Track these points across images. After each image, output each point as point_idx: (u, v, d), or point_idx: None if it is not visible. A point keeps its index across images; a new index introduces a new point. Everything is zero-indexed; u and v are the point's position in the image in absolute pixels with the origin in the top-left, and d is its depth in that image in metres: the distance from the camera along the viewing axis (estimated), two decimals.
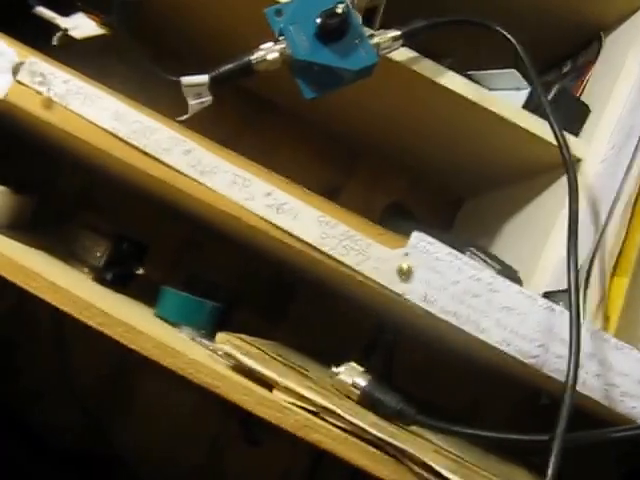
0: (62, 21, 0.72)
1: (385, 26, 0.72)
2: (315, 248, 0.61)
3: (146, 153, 0.62)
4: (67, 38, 0.72)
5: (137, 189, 0.89)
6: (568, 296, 0.58)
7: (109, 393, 1.13)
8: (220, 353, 0.64)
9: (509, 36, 0.70)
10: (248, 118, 1.14)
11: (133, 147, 0.62)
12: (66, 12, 0.73)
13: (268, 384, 0.61)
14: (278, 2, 0.69)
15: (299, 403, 0.59)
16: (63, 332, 1.05)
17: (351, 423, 0.58)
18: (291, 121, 1.13)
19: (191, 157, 0.62)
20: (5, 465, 0.98)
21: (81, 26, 0.73)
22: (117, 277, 0.83)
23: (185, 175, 0.62)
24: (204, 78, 0.67)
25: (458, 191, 1.14)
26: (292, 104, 1.08)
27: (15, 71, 0.63)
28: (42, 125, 0.66)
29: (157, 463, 1.13)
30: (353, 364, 0.65)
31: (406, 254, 0.61)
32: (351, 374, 0.64)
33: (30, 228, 0.83)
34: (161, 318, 0.76)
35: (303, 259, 0.66)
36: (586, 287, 0.68)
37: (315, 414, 0.59)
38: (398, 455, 0.58)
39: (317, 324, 1.12)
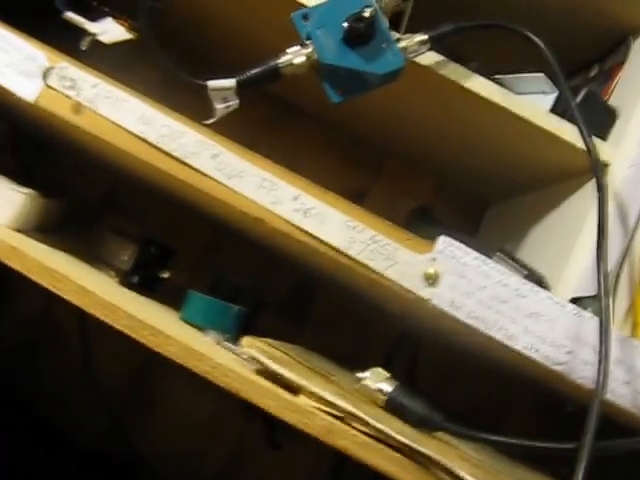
0: (91, 26, 0.73)
1: (411, 30, 0.71)
2: (342, 252, 0.61)
3: (174, 157, 0.62)
4: (95, 43, 0.73)
5: (163, 192, 0.89)
6: (597, 302, 0.58)
7: (132, 395, 1.14)
8: (245, 357, 0.64)
9: (537, 40, 0.70)
10: (273, 122, 1.14)
11: (161, 151, 0.62)
12: (94, 17, 0.74)
13: (293, 388, 0.61)
14: (304, 6, 0.69)
15: (325, 408, 0.59)
16: (87, 334, 1.05)
17: (377, 429, 0.58)
18: (316, 125, 1.13)
19: (219, 161, 0.62)
20: (27, 465, 0.99)
21: (109, 31, 0.74)
22: (143, 281, 0.83)
23: (212, 179, 0.62)
24: (231, 82, 0.67)
25: (484, 195, 1.14)
26: (317, 108, 1.08)
27: (45, 76, 0.64)
28: (71, 129, 0.66)
29: (178, 465, 1.13)
30: (379, 369, 0.65)
31: (433, 259, 0.61)
32: (377, 379, 0.64)
33: (57, 230, 0.83)
34: (187, 322, 0.77)
35: (328, 263, 0.66)
36: (614, 293, 0.67)
37: (341, 419, 0.59)
38: (424, 462, 0.58)
39: (340, 328, 1.11)
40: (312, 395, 0.60)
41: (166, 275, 0.86)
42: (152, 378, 1.13)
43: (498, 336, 0.60)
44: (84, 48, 0.72)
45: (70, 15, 0.73)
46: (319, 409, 0.59)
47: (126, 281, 0.82)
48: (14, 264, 0.63)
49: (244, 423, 1.12)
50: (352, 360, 0.77)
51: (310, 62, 0.66)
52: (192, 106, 0.64)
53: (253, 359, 0.63)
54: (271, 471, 1.13)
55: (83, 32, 0.73)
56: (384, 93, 0.69)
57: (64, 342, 1.11)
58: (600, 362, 0.55)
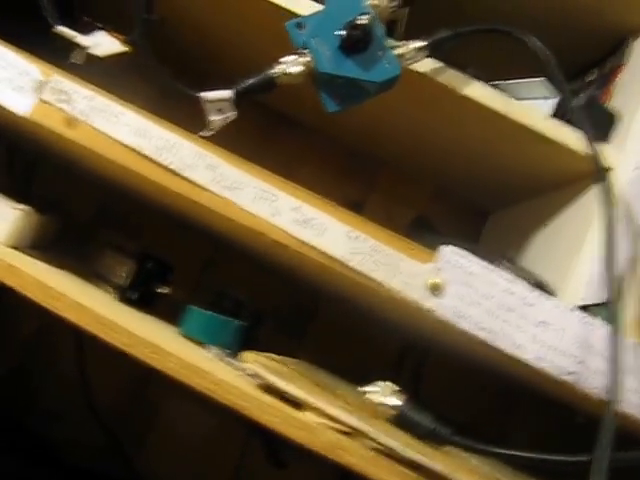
0: (83, 39, 0.72)
1: (404, 38, 0.70)
2: (344, 264, 0.60)
3: (171, 170, 0.61)
4: (88, 56, 0.72)
5: (160, 206, 0.88)
6: (607, 309, 0.57)
7: (130, 413, 1.12)
8: (248, 373, 0.63)
9: (538, 43, 0.69)
10: (269, 133, 1.13)
11: (157, 164, 0.61)
12: (85, 32, 0.73)
13: (298, 404, 0.60)
14: (298, 15, 0.68)
15: (331, 424, 0.58)
16: (83, 352, 1.04)
17: (384, 444, 0.57)
18: (312, 136, 1.12)
19: (216, 173, 0.61)
20: None
21: (102, 44, 0.73)
22: (142, 297, 0.82)
23: (210, 191, 0.61)
24: (227, 93, 0.66)
25: (484, 204, 1.13)
26: (313, 119, 1.07)
27: (39, 90, 0.63)
28: (65, 143, 0.65)
29: None
30: (387, 383, 0.64)
31: (438, 269, 0.59)
32: (385, 393, 0.62)
33: (53, 247, 0.82)
34: (186, 337, 0.75)
35: (330, 275, 0.65)
36: (623, 299, 0.66)
37: (348, 435, 0.58)
38: (433, 477, 0.57)
39: (343, 341, 1.10)
40: (318, 411, 0.58)
41: (165, 291, 0.85)
42: (150, 396, 1.12)
43: (505, 346, 0.59)
44: (77, 61, 0.71)
45: (62, 29, 0.72)
46: (326, 425, 0.58)
47: (124, 297, 0.81)
48: (10, 282, 0.62)
49: (246, 441, 1.10)
50: (356, 374, 0.75)
51: (306, 71, 0.65)
52: (188, 118, 0.63)
53: (256, 375, 0.61)
54: None
55: (75, 46, 0.72)
56: (380, 102, 0.68)
57: (60, 361, 1.09)
58: (612, 371, 0.54)
